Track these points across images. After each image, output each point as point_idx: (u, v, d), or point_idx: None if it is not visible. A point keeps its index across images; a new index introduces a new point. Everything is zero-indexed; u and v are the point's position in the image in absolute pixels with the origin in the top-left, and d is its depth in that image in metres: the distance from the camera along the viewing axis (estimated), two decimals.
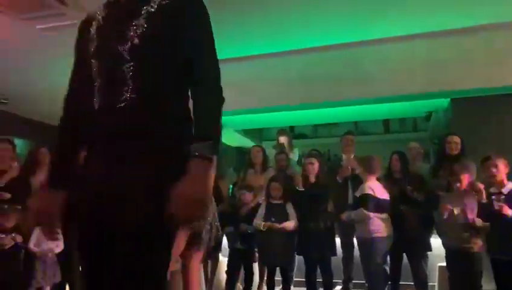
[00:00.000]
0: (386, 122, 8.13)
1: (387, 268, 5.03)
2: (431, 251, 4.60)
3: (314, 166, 4.93)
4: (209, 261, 5.05)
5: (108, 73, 1.37)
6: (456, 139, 4.50)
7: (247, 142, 8.13)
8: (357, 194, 4.27)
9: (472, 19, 5.09)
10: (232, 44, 5.75)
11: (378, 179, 4.40)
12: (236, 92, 6.14)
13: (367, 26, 5.28)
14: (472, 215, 3.70)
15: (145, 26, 1.36)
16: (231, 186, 5.86)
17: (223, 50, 5.18)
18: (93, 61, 1.40)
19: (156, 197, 1.25)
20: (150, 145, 1.31)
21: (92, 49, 1.41)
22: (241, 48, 5.89)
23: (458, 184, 3.85)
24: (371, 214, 4.09)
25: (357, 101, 5.91)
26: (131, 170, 1.28)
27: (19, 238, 3.85)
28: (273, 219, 4.48)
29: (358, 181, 4.68)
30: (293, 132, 8.36)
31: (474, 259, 3.72)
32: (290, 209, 4.57)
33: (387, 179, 4.73)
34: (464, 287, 3.78)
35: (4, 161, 4.16)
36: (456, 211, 3.70)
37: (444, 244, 4.13)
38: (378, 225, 4.10)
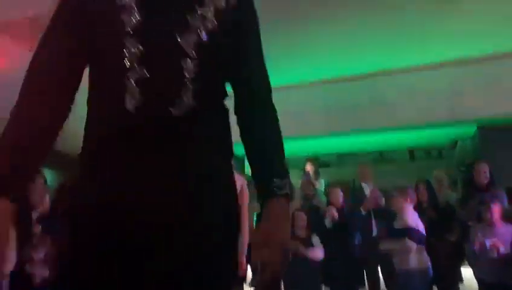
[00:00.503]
0: (411, 150, 8.03)
1: None
2: (462, 282, 4.47)
3: (339, 197, 4.92)
4: None
5: (161, 65, 0.99)
6: (484, 167, 4.41)
7: None
8: (398, 226, 4.11)
9: (498, 47, 5.09)
10: None
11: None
12: None
13: (392, 56, 5.34)
14: (505, 246, 3.58)
15: (215, 21, 1.03)
16: (255, 215, 5.85)
17: None
18: (130, 40, 0.97)
19: (231, 244, 1.05)
20: (218, 177, 1.04)
21: (131, 24, 0.98)
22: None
23: (489, 215, 3.75)
24: (415, 246, 3.98)
25: (381, 130, 5.89)
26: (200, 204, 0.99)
27: (47, 272, 3.90)
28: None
29: (382, 212, 4.63)
30: (317, 161, 8.33)
31: None
32: (316, 241, 4.52)
33: (413, 209, 4.65)
34: None
35: (36, 194, 4.27)
36: (488, 243, 3.59)
37: (476, 276, 4.00)
38: (421, 257, 4.00)
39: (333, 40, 4.93)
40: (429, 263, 3.96)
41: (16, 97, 0.99)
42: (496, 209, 3.75)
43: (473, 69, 5.32)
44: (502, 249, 3.51)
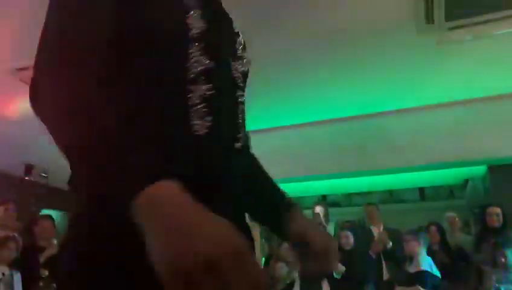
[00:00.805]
0: (421, 190, 7.94)
1: None
2: None
3: (349, 240, 4.86)
4: None
5: (228, 87, 0.87)
6: (497, 210, 4.35)
7: None
8: (412, 270, 4.03)
9: (506, 85, 5.10)
10: (262, 115, 5.91)
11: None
12: (267, 162, 6.21)
13: (399, 96, 5.37)
14: None
15: (245, 53, 0.96)
16: (263, 258, 5.77)
17: (254, 121, 5.35)
18: (200, 55, 0.81)
19: None
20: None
21: (202, 36, 0.82)
22: (272, 118, 6.04)
23: (503, 259, 3.66)
24: None
25: (390, 171, 5.85)
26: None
27: None
28: None
29: (392, 255, 4.54)
30: (326, 200, 8.26)
31: None
32: (326, 287, 4.44)
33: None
34: None
35: (45, 237, 4.27)
36: (503, 289, 3.49)
37: None
38: None
39: (340, 78, 4.97)
40: None
41: None
42: (511, 255, 3.67)
43: (482, 107, 5.32)
44: None
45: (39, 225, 4.32)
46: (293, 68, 4.73)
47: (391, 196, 7.90)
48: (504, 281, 3.55)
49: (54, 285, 4.05)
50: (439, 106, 5.51)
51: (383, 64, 4.62)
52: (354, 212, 8.27)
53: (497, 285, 3.58)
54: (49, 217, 4.47)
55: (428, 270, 3.88)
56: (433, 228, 4.61)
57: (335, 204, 8.26)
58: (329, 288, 4.42)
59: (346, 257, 4.64)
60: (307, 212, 8.06)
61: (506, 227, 4.34)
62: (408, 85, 5.09)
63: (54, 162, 7.68)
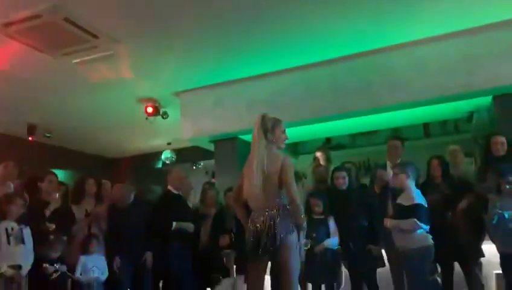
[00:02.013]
0: (426, 126, 7.85)
1: (439, 279, 4.82)
2: (484, 257, 4.37)
3: (344, 180, 4.83)
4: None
5: None
6: (502, 139, 4.29)
7: None
8: (405, 203, 3.98)
9: (510, 12, 4.90)
10: (262, 59, 5.78)
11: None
12: (267, 108, 6.14)
13: (399, 29, 5.20)
14: None
15: None
16: None
17: (255, 66, 5.21)
18: None
19: None
20: None
21: None
22: (272, 62, 5.92)
23: (508, 186, 3.63)
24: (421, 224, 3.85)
25: (394, 107, 5.75)
26: None
27: (64, 268, 3.94)
28: (314, 235, 4.38)
29: (396, 190, 4.51)
30: (330, 143, 8.23)
31: None
32: (332, 224, 4.47)
33: (427, 186, 4.55)
34: None
35: (49, 193, 4.32)
36: (507, 215, 3.48)
37: (498, 249, 3.90)
38: (425, 235, 3.90)
39: (339, 17, 4.81)
40: (431, 242, 3.83)
41: None
42: None
43: (484, 36, 5.15)
44: None
45: (45, 180, 4.36)
46: (288, 8, 4.57)
47: (395, 135, 7.82)
48: (508, 208, 3.54)
49: (63, 237, 4.14)
50: (441, 37, 5.33)
51: None
52: (359, 153, 8.28)
53: (500, 211, 3.57)
54: (52, 173, 4.50)
55: (422, 203, 3.86)
56: (434, 161, 4.55)
57: (340, 146, 8.25)
58: (334, 224, 4.47)
59: (341, 197, 4.64)
60: (308, 156, 8.06)
61: (511, 155, 4.29)
62: (407, 17, 4.91)
63: (56, 123, 7.73)
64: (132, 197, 4.63)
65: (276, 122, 3.13)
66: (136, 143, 9.50)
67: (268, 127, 3.08)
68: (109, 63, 5.54)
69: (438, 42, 5.39)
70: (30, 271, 3.73)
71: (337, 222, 4.55)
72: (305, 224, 3.00)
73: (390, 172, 4.81)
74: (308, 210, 4.53)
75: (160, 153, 9.55)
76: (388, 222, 4.05)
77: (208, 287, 5.30)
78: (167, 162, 9.53)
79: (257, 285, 3.02)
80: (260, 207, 2.95)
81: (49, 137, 8.08)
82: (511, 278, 3.72)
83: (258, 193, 2.93)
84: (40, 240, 3.91)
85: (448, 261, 4.45)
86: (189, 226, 4.78)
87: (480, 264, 4.57)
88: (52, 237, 3.98)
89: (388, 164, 5.03)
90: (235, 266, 5.13)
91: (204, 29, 4.92)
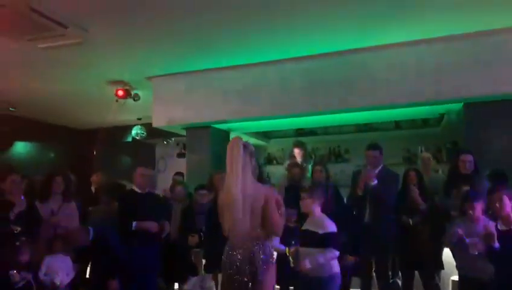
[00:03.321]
0: (397, 122, 7.93)
1: (400, 282, 5.03)
2: (443, 269, 4.56)
3: (323, 175, 4.93)
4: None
5: None
6: (470, 157, 4.40)
7: (256, 142, 8.07)
8: (318, 230, 3.66)
9: (484, 24, 4.91)
10: (239, 50, 5.64)
11: None
12: (241, 99, 6.10)
13: (377, 32, 5.15)
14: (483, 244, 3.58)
15: None
16: None
17: (229, 57, 4.99)
18: None
19: None
20: None
21: None
22: (246, 55, 5.79)
23: (471, 212, 3.75)
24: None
25: (366, 108, 5.77)
26: None
27: (29, 276, 3.88)
28: (293, 242, 4.29)
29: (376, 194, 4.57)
30: (303, 130, 8.25)
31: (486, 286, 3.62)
32: None
33: (402, 195, 4.66)
34: None
35: (14, 193, 4.18)
36: (467, 241, 3.61)
37: (456, 267, 4.07)
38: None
39: (314, 14, 4.68)
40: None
41: None
42: (479, 207, 3.75)
43: (459, 45, 5.17)
44: (481, 247, 3.53)
45: (7, 181, 4.20)
46: (270, 4, 4.42)
47: (366, 124, 7.91)
48: (470, 234, 3.66)
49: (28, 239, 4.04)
50: (417, 42, 5.31)
51: (363, 1, 4.35)
52: (330, 141, 8.35)
53: (461, 234, 3.67)
54: (16, 172, 4.34)
55: (334, 230, 3.66)
56: (412, 173, 4.65)
57: (312, 133, 8.27)
58: None
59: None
60: (284, 145, 8.08)
61: (477, 173, 4.41)
62: (385, 21, 4.84)
63: (21, 98, 7.43)
64: None
65: (254, 150, 3.09)
66: (105, 118, 9.26)
67: (252, 153, 3.03)
68: (78, 49, 5.30)
69: (415, 47, 5.38)
70: None
71: None
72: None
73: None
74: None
75: (131, 127, 9.37)
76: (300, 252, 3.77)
77: (175, 282, 5.37)
78: (137, 137, 9.37)
79: None
80: (238, 238, 2.93)
81: (14, 110, 7.81)
82: None
83: (237, 226, 2.91)
84: (6, 244, 3.81)
85: (409, 269, 4.65)
86: (152, 226, 4.63)
87: (439, 273, 4.79)
88: (18, 242, 3.88)
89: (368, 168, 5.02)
90: (203, 264, 5.20)
91: (176, 19, 4.68)
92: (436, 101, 5.41)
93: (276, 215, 2.97)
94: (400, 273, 5.00)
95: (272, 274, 2.99)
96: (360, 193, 4.66)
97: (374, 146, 4.79)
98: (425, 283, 4.61)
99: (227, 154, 2.98)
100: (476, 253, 3.56)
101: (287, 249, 4.22)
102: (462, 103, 5.64)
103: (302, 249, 3.74)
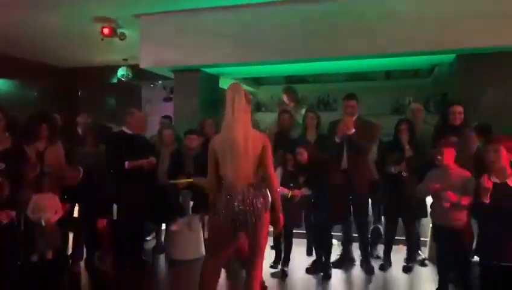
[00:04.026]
0: (387, 72, 7.88)
1: (381, 227, 5.19)
2: (426, 217, 4.69)
3: (314, 122, 4.96)
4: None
5: None
6: (460, 109, 4.39)
7: (246, 88, 7.94)
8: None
9: None
10: None
11: None
12: (233, 43, 5.93)
13: None
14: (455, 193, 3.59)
15: None
16: None
17: None
18: None
19: None
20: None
21: None
22: None
23: (439, 157, 3.75)
24: None
25: (359, 57, 5.69)
26: None
27: (13, 214, 3.86)
28: (291, 185, 4.52)
29: (353, 143, 4.60)
30: (294, 77, 8.16)
31: (458, 234, 3.64)
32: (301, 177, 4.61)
33: (392, 146, 4.70)
34: (450, 261, 3.81)
35: None
36: (442, 193, 3.61)
37: (430, 214, 4.13)
38: None
39: None
40: None
41: None
42: (449, 154, 3.73)
43: None
44: (455, 199, 3.57)
45: None
46: None
47: (356, 73, 7.85)
48: (441, 181, 3.67)
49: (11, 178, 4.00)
50: None
51: None
52: (320, 89, 8.30)
53: (434, 185, 3.70)
54: (0, 110, 4.21)
55: None
56: (403, 126, 4.64)
57: (302, 80, 8.20)
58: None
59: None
60: (274, 92, 7.99)
61: (466, 125, 4.43)
62: None
63: (1, 30, 7.09)
64: None
65: (251, 99, 3.07)
66: (90, 57, 9.00)
67: (249, 102, 3.00)
68: None
69: None
70: None
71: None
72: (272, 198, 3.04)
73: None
74: (284, 161, 4.65)
75: (117, 67, 9.15)
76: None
77: (163, 223, 5.45)
78: (123, 79, 9.18)
79: (220, 262, 3.13)
80: (238, 184, 2.91)
81: None
82: (440, 247, 3.99)
83: (237, 172, 2.89)
84: None
85: (393, 216, 4.77)
86: (144, 162, 4.71)
87: (420, 220, 4.94)
88: (1, 179, 3.83)
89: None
90: (191, 206, 5.26)
91: None
92: (430, 51, 5.35)
93: (271, 165, 2.98)
94: (382, 220, 5.16)
95: (267, 221, 3.02)
96: (337, 140, 4.69)
97: (351, 96, 4.80)
98: (406, 229, 4.75)
99: (227, 99, 2.94)
100: (448, 205, 3.59)
101: (290, 192, 4.39)
102: (455, 55, 5.61)
103: None
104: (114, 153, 4.68)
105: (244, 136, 2.88)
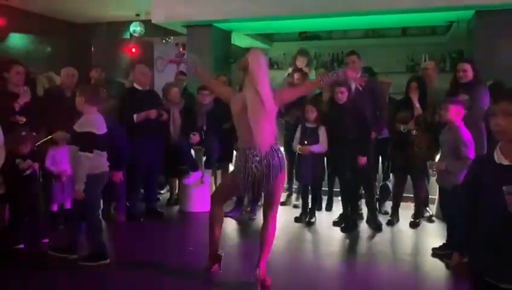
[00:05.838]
0: (403, 29, 7.69)
1: (390, 185, 5.26)
2: (434, 176, 4.71)
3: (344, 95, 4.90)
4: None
5: None
6: (465, 66, 4.32)
7: (258, 45, 7.90)
8: None
9: None
10: None
11: None
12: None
13: None
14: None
15: None
16: None
17: None
18: None
19: None
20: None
21: None
22: None
23: (444, 114, 3.77)
24: None
25: (375, 12, 5.58)
26: None
27: (36, 165, 3.99)
28: (306, 142, 4.68)
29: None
30: (307, 33, 8.04)
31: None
32: (322, 133, 4.64)
33: (403, 103, 4.69)
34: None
35: (18, 84, 4.14)
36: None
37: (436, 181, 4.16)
38: None
39: None
40: None
41: None
42: (454, 111, 3.71)
43: None
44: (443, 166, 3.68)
45: (12, 71, 4.13)
46: None
47: (373, 31, 7.71)
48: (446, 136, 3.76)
49: (33, 133, 4.12)
50: None
51: None
52: (334, 46, 8.17)
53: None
54: (20, 63, 4.26)
55: None
56: (413, 84, 4.60)
57: (315, 37, 8.07)
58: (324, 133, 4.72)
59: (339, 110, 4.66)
60: (287, 49, 7.89)
61: (477, 82, 4.35)
62: None
63: None
64: None
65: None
66: (103, 11, 8.93)
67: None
68: None
69: None
70: (3, 166, 3.75)
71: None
72: None
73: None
74: (303, 117, 4.77)
75: (129, 23, 9.08)
76: None
77: (176, 177, 5.59)
78: (135, 34, 9.12)
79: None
80: (258, 144, 2.99)
81: (7, 1, 7.48)
82: (446, 211, 4.05)
83: (261, 131, 2.97)
84: (11, 134, 3.85)
85: (402, 173, 4.83)
86: (151, 112, 4.77)
87: (428, 177, 4.99)
88: (23, 132, 3.94)
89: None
90: (203, 161, 5.37)
91: None
92: (449, 6, 5.22)
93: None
94: (391, 177, 5.22)
95: (283, 178, 3.22)
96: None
97: (353, 52, 4.81)
98: (415, 186, 4.81)
99: (251, 62, 3.00)
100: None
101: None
102: (474, 11, 5.47)
103: None
104: (123, 108, 4.80)
105: (266, 98, 2.96)
